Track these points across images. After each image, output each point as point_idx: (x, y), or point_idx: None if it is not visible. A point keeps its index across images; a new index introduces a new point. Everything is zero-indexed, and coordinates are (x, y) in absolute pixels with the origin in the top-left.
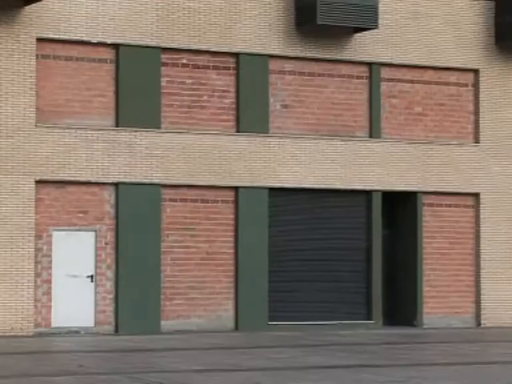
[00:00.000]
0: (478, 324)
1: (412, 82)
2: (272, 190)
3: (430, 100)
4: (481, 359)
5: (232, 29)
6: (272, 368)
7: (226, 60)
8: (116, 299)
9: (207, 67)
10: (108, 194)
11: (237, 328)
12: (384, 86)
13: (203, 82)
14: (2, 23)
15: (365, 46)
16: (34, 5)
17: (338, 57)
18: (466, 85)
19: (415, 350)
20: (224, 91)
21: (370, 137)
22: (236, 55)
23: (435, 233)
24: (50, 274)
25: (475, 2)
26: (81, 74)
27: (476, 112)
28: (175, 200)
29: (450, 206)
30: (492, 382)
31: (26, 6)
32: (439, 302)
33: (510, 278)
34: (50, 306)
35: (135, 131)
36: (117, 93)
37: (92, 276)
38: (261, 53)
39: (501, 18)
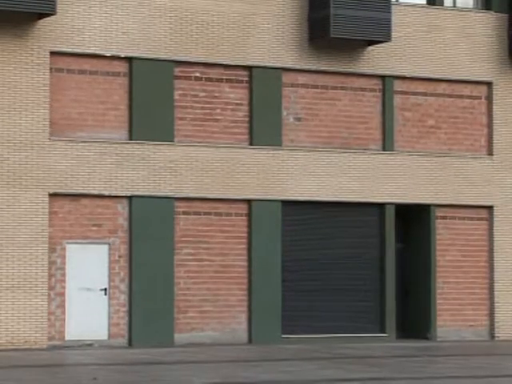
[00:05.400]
0: (492, 337)
1: (425, 94)
2: (285, 202)
3: (444, 113)
4: (495, 372)
5: (245, 42)
6: (285, 381)
7: (240, 73)
8: (129, 312)
9: (220, 80)
10: (121, 207)
11: (250, 341)
12: (397, 99)
13: (216, 95)
14: (16, 37)
15: (378, 59)
16: (47, 19)
17: (352, 70)
18: (479, 97)
19: (429, 363)
20: (237, 104)
21: (383, 150)
22: (249, 68)
23: (448, 246)
24: (64, 287)
25: (488, 15)
26: (94, 88)
27: (489, 125)
28: (188, 213)
29: (463, 218)
30: None
31: (39, 19)
32: (453, 314)
33: None
34: (64, 319)
35: (148, 144)
36: (130, 106)
37: (105, 289)
38: (274, 66)
39: None
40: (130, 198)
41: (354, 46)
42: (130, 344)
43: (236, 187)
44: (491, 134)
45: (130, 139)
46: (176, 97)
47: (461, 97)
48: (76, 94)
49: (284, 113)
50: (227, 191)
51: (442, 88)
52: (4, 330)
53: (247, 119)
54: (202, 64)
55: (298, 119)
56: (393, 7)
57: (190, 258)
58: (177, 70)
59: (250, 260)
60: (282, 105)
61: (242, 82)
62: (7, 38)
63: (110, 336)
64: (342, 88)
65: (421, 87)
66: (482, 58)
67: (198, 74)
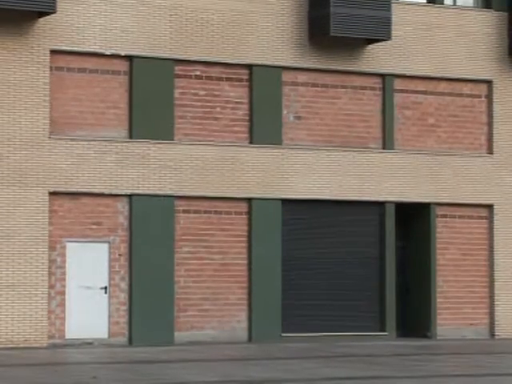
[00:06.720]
0: (492, 335)
1: (425, 93)
2: (285, 201)
3: (444, 111)
4: (495, 371)
5: (245, 40)
6: (285, 380)
7: (240, 72)
8: (130, 310)
9: (220, 79)
10: (121, 206)
11: (250, 339)
12: (397, 98)
13: (216, 93)
14: (17, 35)
15: (378, 58)
16: (47, 17)
17: (351, 68)
18: (479, 96)
19: (429, 362)
20: (237, 103)
21: (383, 148)
22: (249, 67)
23: (448, 244)
24: (64, 286)
25: (488, 13)
26: (94, 86)
27: (489, 123)
28: (188, 211)
29: (463, 217)
30: None
31: (39, 18)
32: (453, 313)
33: None
34: (64, 318)
35: (148, 143)
36: (130, 105)
37: (106, 287)
38: (274, 64)
39: None
40: (129, 196)
41: (354, 44)
42: (130, 342)
43: (236, 186)
44: (491, 132)
45: (130, 138)
46: (176, 95)
47: (461, 95)
48: (76, 92)
49: (284, 111)
50: (227, 190)
51: (442, 86)
52: (4, 329)
53: (247, 118)
54: (202, 62)
55: (298, 118)
56: (393, 6)
57: (190, 256)
58: (177, 69)
59: (249, 258)
60: (282, 103)
61: (242, 80)
62: (7, 37)
63: (110, 334)
64: (342, 86)
65: (421, 86)
66: (482, 56)
67: (198, 73)
